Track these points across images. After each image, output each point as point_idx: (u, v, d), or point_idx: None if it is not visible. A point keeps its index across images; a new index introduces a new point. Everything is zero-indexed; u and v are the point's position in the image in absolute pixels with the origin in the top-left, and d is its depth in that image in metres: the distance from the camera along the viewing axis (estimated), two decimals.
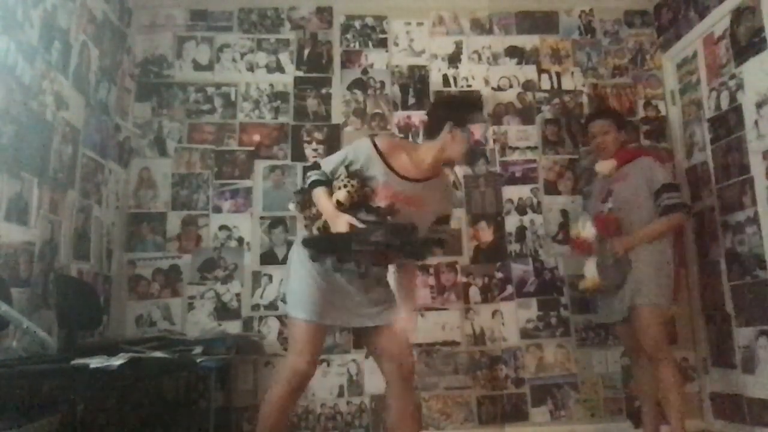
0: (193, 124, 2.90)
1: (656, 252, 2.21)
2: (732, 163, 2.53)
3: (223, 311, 2.70)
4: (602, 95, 3.07)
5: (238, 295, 2.73)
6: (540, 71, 3.09)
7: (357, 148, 1.77)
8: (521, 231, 2.89)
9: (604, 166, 2.41)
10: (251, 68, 2.99)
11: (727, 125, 2.57)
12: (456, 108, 1.83)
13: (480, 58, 3.09)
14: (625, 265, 2.21)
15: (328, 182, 1.74)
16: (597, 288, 2.30)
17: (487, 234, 2.88)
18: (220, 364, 2.10)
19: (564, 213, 2.92)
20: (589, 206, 2.57)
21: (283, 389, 1.71)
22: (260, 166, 2.87)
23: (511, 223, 2.89)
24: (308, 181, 1.77)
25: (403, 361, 1.78)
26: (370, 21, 3.09)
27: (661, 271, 2.19)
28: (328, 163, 1.78)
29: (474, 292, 2.81)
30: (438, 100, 1.90)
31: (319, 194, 1.73)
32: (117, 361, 1.54)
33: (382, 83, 3.02)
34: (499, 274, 2.83)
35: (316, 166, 1.81)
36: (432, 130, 1.80)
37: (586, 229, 2.31)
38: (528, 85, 3.07)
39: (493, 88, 3.05)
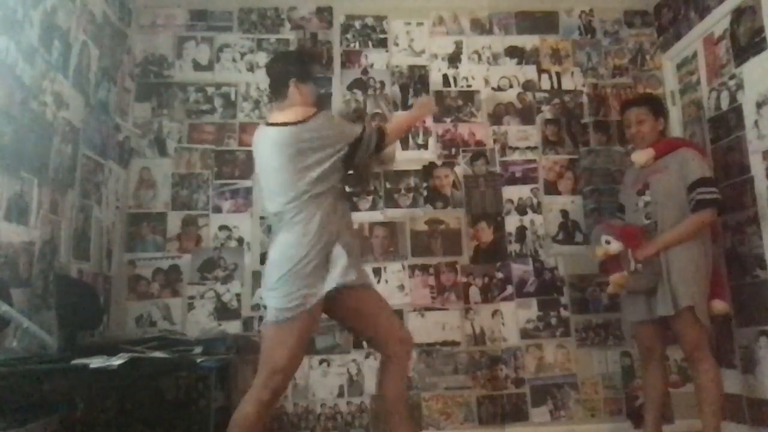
0: (193, 124, 2.90)
1: (694, 251, 2.11)
2: (732, 163, 2.53)
3: (223, 311, 2.70)
4: (602, 95, 3.07)
5: (238, 295, 2.73)
6: (540, 71, 3.09)
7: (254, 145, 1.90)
8: (521, 231, 2.89)
9: (640, 156, 2.29)
10: (251, 68, 2.99)
11: (727, 125, 2.57)
12: (295, 63, 1.86)
13: (480, 58, 3.09)
14: (655, 266, 2.13)
15: None
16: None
17: (487, 234, 2.88)
18: (220, 364, 2.10)
19: (564, 213, 2.92)
20: (622, 197, 2.47)
21: (254, 410, 1.61)
22: None
23: (511, 223, 2.89)
24: None
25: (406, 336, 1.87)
26: (370, 21, 3.09)
27: (698, 270, 2.11)
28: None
29: (474, 292, 2.81)
30: (275, 61, 1.94)
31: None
32: (117, 361, 1.54)
33: (382, 83, 3.02)
34: (499, 274, 2.83)
35: None
36: (279, 92, 1.84)
37: (612, 245, 2.17)
38: (528, 85, 3.07)
39: (493, 88, 3.05)
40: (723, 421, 2.41)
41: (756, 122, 2.39)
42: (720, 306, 2.17)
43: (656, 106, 2.37)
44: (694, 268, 2.10)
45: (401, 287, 2.78)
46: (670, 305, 2.09)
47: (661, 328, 2.23)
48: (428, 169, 2.94)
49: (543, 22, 3.16)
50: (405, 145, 2.96)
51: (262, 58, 3.00)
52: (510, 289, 2.82)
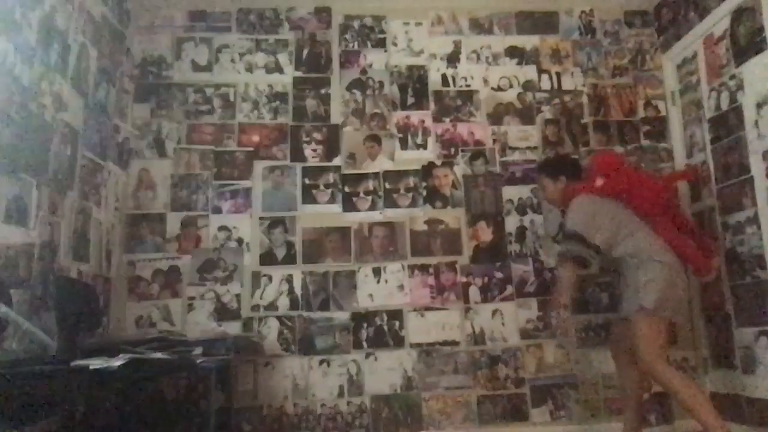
0: (192, 124, 2.89)
1: (642, 264, 2.18)
2: (732, 163, 2.53)
3: (223, 312, 2.70)
4: (602, 96, 3.07)
5: (237, 295, 2.73)
6: (540, 71, 3.09)
7: None
8: (521, 231, 2.89)
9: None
10: (250, 69, 2.98)
11: (727, 125, 2.57)
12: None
13: (479, 58, 3.09)
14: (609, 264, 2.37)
15: None
16: None
17: (487, 234, 2.88)
18: (220, 365, 2.10)
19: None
20: None
21: None
22: (259, 166, 2.87)
23: (511, 223, 2.89)
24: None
25: None
26: (368, 21, 3.09)
27: (640, 280, 2.15)
28: None
29: (474, 292, 2.80)
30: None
31: None
32: (117, 362, 1.54)
33: (381, 83, 3.02)
34: (499, 274, 2.83)
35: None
36: None
37: None
38: (528, 85, 3.07)
39: (492, 88, 3.05)
40: (723, 420, 2.40)
41: (756, 122, 2.38)
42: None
43: (551, 170, 2.50)
44: (634, 282, 2.19)
45: (401, 287, 2.78)
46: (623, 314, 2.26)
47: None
48: (428, 169, 2.94)
49: (543, 22, 3.16)
50: (404, 145, 2.96)
51: (260, 58, 3.00)
52: (510, 289, 2.82)
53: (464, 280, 2.81)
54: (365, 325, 2.73)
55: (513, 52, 3.10)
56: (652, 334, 2.12)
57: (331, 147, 2.91)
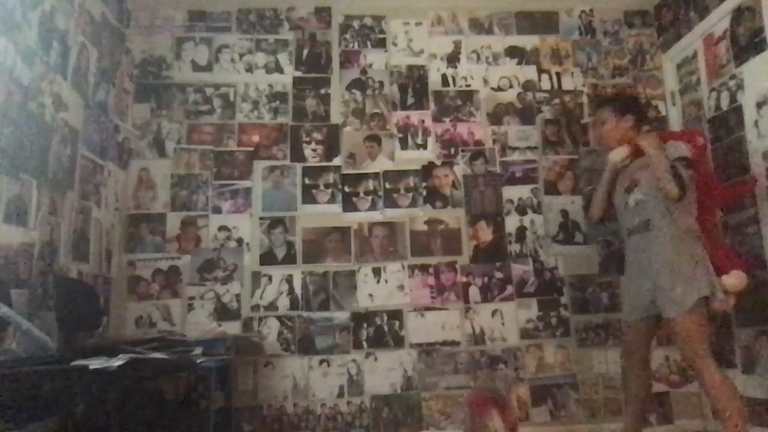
0: (192, 124, 2.89)
1: (682, 253, 2.06)
2: (732, 163, 2.53)
3: (223, 312, 2.71)
4: (602, 96, 3.07)
5: (237, 295, 2.73)
6: (540, 71, 3.09)
7: None
8: (521, 231, 2.89)
9: (614, 154, 2.28)
10: (250, 69, 2.98)
11: (727, 125, 2.57)
12: None
13: (479, 58, 3.09)
14: None
15: None
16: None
17: (486, 234, 2.88)
18: (220, 365, 2.10)
19: (564, 213, 2.92)
20: (615, 199, 2.37)
21: None
22: (259, 166, 2.87)
23: (511, 223, 2.89)
24: None
25: None
26: (368, 21, 3.09)
27: (679, 275, 2.04)
28: None
29: (474, 292, 2.80)
30: None
31: None
32: (117, 362, 1.53)
33: (381, 83, 3.02)
34: (499, 274, 2.83)
35: None
36: None
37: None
38: (528, 85, 3.07)
39: (492, 88, 3.05)
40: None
41: (756, 122, 2.39)
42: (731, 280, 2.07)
43: (620, 106, 2.33)
44: (674, 275, 2.08)
45: (401, 287, 2.78)
46: (655, 311, 2.16)
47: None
48: (427, 169, 2.94)
49: (543, 22, 3.16)
50: (404, 145, 2.96)
51: (260, 58, 3.00)
52: (510, 289, 2.82)
53: (464, 280, 2.81)
54: (365, 325, 2.73)
55: (513, 52, 3.11)
56: (699, 330, 2.01)
57: (331, 147, 2.92)
